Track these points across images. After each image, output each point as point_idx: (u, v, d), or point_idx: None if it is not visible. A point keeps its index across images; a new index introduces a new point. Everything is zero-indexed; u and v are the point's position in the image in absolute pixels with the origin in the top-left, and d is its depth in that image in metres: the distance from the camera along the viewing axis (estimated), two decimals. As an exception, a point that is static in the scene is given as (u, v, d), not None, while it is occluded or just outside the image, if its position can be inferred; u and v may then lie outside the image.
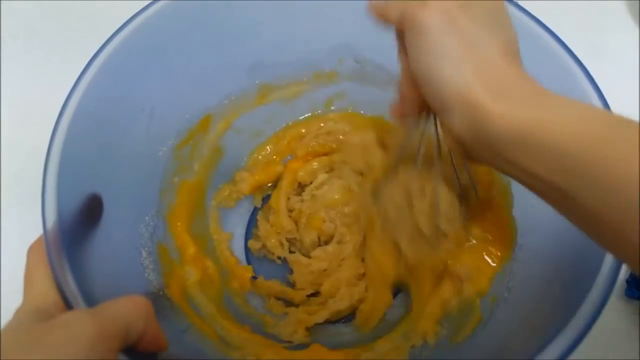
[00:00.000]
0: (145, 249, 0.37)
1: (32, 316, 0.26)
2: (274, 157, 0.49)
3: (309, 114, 0.49)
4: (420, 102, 0.29)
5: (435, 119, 0.31)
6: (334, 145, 0.48)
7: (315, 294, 0.44)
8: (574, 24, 0.38)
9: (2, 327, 0.25)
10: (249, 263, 0.46)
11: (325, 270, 0.43)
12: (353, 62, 0.46)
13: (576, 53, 0.34)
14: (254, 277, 0.45)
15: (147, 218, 0.38)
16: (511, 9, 0.35)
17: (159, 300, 0.36)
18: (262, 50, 0.43)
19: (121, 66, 0.36)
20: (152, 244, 0.38)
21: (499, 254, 0.38)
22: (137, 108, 0.38)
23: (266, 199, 0.48)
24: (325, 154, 0.49)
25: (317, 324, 0.42)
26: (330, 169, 0.48)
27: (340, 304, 0.42)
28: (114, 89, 0.36)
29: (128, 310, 0.26)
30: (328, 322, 0.42)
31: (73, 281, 0.28)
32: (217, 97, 0.44)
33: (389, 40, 0.42)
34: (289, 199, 0.47)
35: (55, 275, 0.28)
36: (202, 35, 0.40)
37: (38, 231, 0.29)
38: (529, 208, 0.37)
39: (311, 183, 0.47)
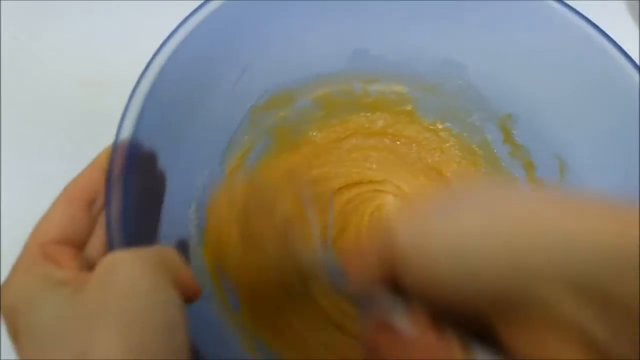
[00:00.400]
0: (195, 202, 0.36)
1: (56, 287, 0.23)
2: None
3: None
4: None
5: None
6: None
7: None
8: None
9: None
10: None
11: None
12: (457, 82, 0.44)
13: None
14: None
15: (206, 172, 0.38)
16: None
17: (193, 259, 0.35)
18: (373, 40, 0.42)
19: (228, 17, 0.35)
20: (204, 199, 0.37)
21: None
22: (232, 62, 0.37)
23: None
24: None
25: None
26: None
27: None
28: (217, 36, 0.35)
29: (162, 248, 0.25)
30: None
31: (120, 207, 0.27)
32: (310, 71, 0.43)
33: (498, 72, 0.42)
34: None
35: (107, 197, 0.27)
36: (312, 8, 0.39)
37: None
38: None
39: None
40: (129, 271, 0.22)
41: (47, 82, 0.48)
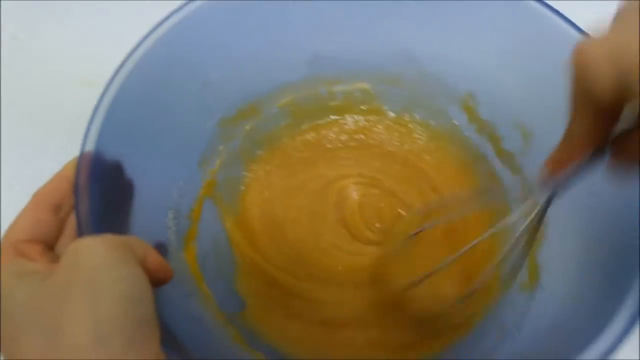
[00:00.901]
0: (172, 210, 0.38)
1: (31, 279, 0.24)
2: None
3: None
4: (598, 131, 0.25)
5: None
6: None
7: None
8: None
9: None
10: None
11: None
12: (414, 70, 0.46)
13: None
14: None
15: (181, 182, 0.40)
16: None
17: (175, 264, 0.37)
18: (326, 43, 0.44)
19: (186, 32, 0.37)
20: (182, 207, 0.39)
21: None
22: (193, 78, 0.39)
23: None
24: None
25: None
26: None
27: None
28: (175, 52, 0.37)
29: (126, 236, 0.26)
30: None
31: (88, 210, 0.29)
32: (273, 82, 0.45)
33: (452, 54, 0.43)
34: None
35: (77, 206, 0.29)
36: (267, 18, 0.41)
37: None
38: (557, 251, 0.35)
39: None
40: (94, 250, 0.24)
41: (47, 82, 0.49)
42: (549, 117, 0.40)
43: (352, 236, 0.44)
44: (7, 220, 0.43)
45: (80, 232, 0.28)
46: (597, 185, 0.34)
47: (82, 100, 0.40)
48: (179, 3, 0.37)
